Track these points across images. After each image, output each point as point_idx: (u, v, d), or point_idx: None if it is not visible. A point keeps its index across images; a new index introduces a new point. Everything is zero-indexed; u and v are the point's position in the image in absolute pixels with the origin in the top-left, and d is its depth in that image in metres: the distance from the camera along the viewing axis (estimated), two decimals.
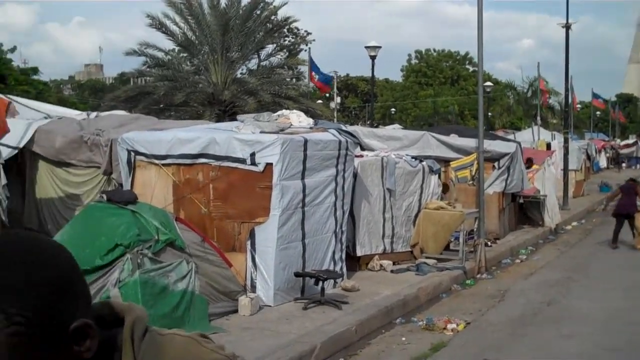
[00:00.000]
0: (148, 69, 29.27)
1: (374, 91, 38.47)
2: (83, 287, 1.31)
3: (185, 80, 27.64)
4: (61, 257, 1.28)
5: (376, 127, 30.02)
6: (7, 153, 11.39)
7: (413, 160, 14.31)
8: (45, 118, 13.56)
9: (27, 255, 1.22)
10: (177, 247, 9.04)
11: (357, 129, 15.83)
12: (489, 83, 45.62)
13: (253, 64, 31.41)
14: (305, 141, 10.54)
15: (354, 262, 12.72)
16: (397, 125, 21.85)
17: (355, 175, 12.28)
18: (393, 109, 70.17)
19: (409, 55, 76.68)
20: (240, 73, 29.87)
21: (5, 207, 10.65)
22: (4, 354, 1.17)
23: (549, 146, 28.05)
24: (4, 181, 10.57)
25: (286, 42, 39.59)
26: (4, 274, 1.19)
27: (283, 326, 9.07)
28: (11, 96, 14.85)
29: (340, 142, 11.35)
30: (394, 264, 13.22)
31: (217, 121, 18.85)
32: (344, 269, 11.68)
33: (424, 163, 14.45)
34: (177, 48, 30.41)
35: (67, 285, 1.26)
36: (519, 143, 18.94)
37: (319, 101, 44.93)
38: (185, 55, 30.39)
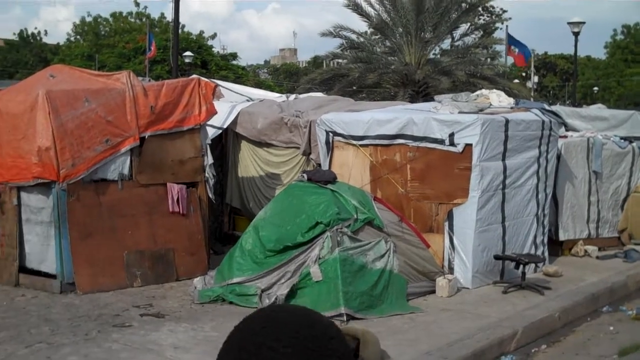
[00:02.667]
0: (342, 52, 29.70)
1: (576, 69, 36.64)
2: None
3: (378, 62, 27.80)
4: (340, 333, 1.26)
5: (577, 106, 28.62)
6: (211, 133, 11.96)
7: (621, 141, 13.46)
8: (247, 101, 14.06)
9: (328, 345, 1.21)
10: (376, 226, 9.10)
11: (560, 109, 15.11)
12: None
13: (446, 44, 31.04)
14: (507, 121, 10.20)
15: (556, 247, 12.19)
16: (601, 105, 20.65)
17: (558, 157, 11.75)
18: (595, 88, 66.58)
19: (614, 30, 72.11)
20: (433, 53, 29.60)
21: (212, 185, 11.19)
22: None
23: None
24: (210, 160, 11.09)
25: (481, 21, 38.66)
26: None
27: (482, 309, 8.87)
28: (215, 80, 15.60)
29: (543, 122, 10.88)
30: (599, 249, 12.53)
31: (411, 101, 18.74)
32: (546, 254, 11.24)
33: (633, 144, 13.57)
34: (369, 30, 30.64)
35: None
36: None
37: (516, 80, 43.52)
38: (378, 36, 30.55)
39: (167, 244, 10.26)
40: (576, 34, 28.03)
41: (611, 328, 8.90)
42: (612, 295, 10.25)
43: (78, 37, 60.58)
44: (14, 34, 64.02)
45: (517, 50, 30.06)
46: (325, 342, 1.19)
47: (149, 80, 12.69)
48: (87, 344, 7.21)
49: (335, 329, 1.25)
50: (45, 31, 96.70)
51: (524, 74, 57.26)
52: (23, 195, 9.77)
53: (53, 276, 9.56)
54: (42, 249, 9.67)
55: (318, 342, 1.18)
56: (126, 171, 10.02)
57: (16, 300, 9.04)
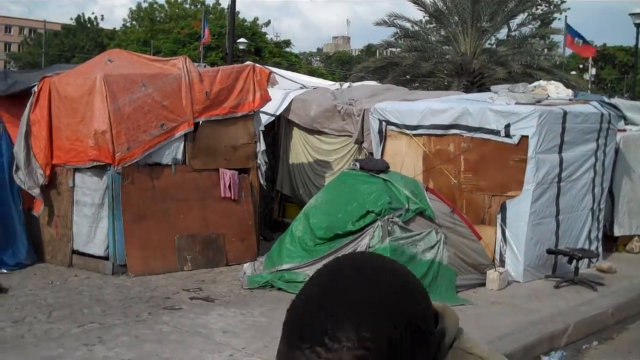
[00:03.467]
0: (396, 40, 29.47)
1: (636, 62, 35.68)
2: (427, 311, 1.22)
3: (433, 51, 27.53)
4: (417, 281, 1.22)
5: (637, 100, 27.95)
6: (265, 120, 11.97)
7: None
8: (301, 88, 14.05)
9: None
10: (427, 217, 9.02)
11: (619, 102, 14.79)
12: None
13: (502, 34, 30.57)
14: (564, 113, 10.00)
15: (610, 243, 11.95)
16: None
17: (616, 151, 11.49)
18: None
19: None
20: (489, 43, 29.18)
21: (263, 171, 11.22)
22: None
23: None
24: (263, 147, 11.11)
25: (539, 11, 37.98)
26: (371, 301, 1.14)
27: (533, 303, 8.74)
28: (269, 67, 15.63)
29: (602, 114, 10.65)
30: None
31: (465, 92, 18.50)
32: (600, 249, 11.01)
33: None
34: (424, 19, 30.35)
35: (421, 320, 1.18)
36: None
37: (573, 72, 42.71)
38: (433, 25, 30.24)
39: (218, 229, 10.34)
40: (638, 26, 27.29)
41: None
42: None
43: (134, 22, 61.41)
44: (71, 19, 65.27)
45: (581, 41, 29.29)
46: (412, 286, 1.19)
47: (204, 66, 12.75)
48: (137, 325, 7.31)
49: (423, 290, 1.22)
50: (102, 16, 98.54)
51: (581, 66, 56.15)
52: (77, 176, 9.92)
53: (99, 258, 9.72)
54: (89, 230, 9.80)
55: (400, 282, 1.18)
56: (180, 156, 10.11)
57: (69, 281, 9.22)
